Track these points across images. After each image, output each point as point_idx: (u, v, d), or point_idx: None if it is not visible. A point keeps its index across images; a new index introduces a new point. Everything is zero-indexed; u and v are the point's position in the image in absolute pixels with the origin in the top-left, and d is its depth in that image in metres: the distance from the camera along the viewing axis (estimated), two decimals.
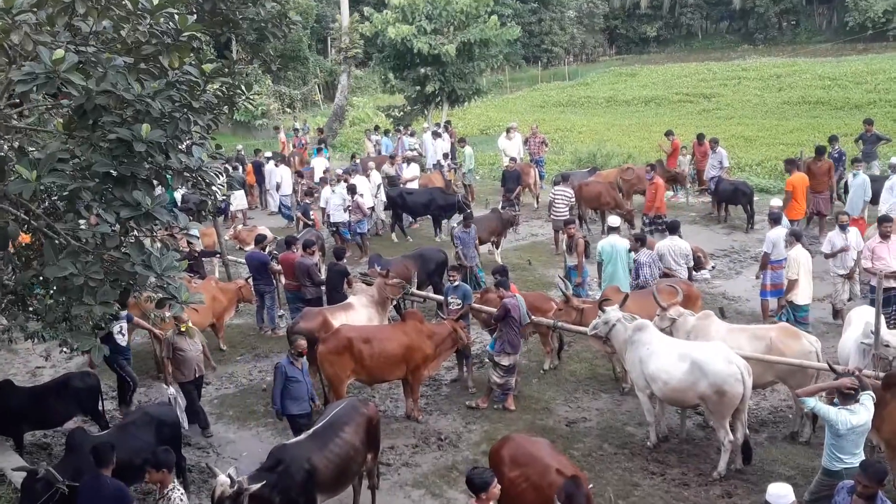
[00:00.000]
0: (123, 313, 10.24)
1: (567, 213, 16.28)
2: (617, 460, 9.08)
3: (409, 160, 21.12)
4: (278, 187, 20.79)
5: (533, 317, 10.84)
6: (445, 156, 21.31)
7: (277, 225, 19.92)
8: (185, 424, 9.34)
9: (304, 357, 9.06)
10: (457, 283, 11.15)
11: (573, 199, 16.75)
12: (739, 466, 8.66)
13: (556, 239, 16.73)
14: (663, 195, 16.43)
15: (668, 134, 21.41)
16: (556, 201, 16.37)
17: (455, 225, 15.38)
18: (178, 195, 16.73)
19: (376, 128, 28.00)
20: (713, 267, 13.79)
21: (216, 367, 11.92)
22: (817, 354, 8.90)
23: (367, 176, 18.79)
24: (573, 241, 13.15)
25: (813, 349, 8.92)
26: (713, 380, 8.32)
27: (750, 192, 17.81)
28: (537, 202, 21.14)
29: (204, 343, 10.26)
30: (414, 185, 19.72)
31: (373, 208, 18.53)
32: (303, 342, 9.03)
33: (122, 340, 10.33)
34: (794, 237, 11.41)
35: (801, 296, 11.20)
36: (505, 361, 10.26)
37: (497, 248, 16.54)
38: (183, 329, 9.72)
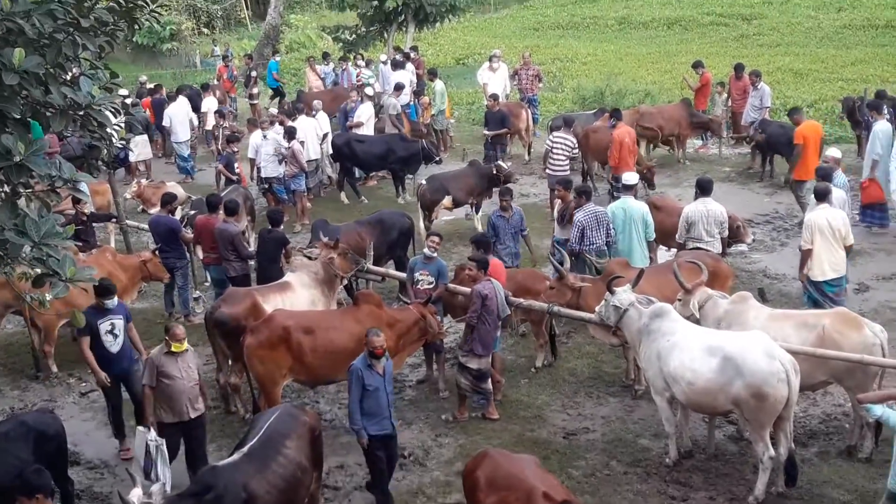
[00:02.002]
0: (113, 302, 9.72)
1: (567, 167, 16.36)
2: (627, 481, 9.15)
3: (362, 96, 21.05)
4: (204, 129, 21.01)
5: (522, 301, 10.90)
6: (399, 87, 21.14)
7: (196, 181, 19.92)
8: (168, 485, 8.20)
9: (385, 358, 8.71)
10: (433, 255, 11.20)
11: (576, 150, 16.82)
12: (782, 489, 8.75)
13: (553, 200, 16.78)
14: (629, 150, 16.29)
15: (697, 66, 21.58)
16: (554, 152, 16.45)
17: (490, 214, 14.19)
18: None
19: (325, 55, 27.83)
20: (753, 238, 13.96)
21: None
22: (883, 348, 8.96)
23: (314, 115, 18.75)
24: (566, 207, 13.11)
25: (877, 341, 8.98)
26: (750, 379, 8.39)
27: None
28: (529, 153, 21.21)
29: (200, 369, 9.39)
30: (368, 131, 19.73)
31: (316, 162, 18.53)
32: (377, 340, 8.56)
33: (113, 345, 9.74)
34: (820, 195, 11.53)
35: (816, 270, 11.34)
36: (473, 364, 10.31)
37: (477, 211, 16.67)
38: (175, 348, 8.91)
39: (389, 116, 20.31)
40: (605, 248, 12.41)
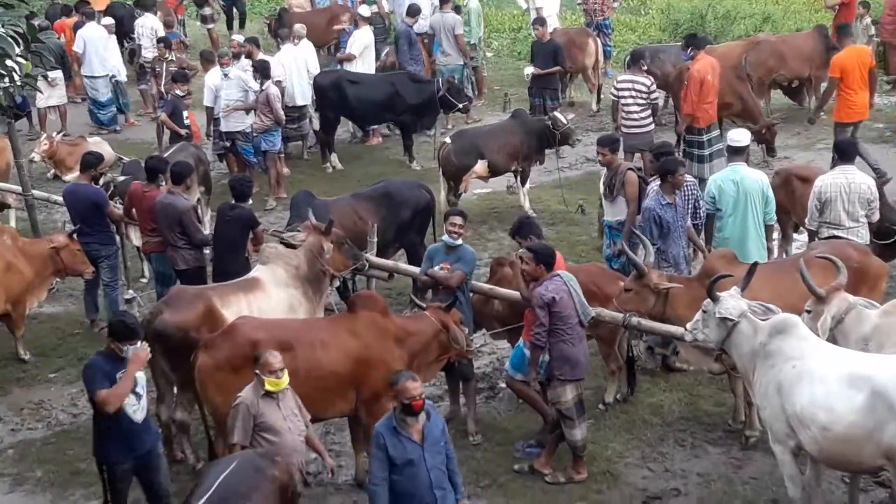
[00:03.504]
0: (130, 349, 8.84)
1: (648, 121, 16.39)
2: None
3: (357, 18, 21.16)
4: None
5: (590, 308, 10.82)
6: (413, 11, 21.08)
7: (125, 136, 20.14)
8: None
9: (424, 414, 8.30)
10: (457, 242, 11.24)
11: (654, 95, 16.68)
12: None
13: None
14: (712, 92, 16.25)
15: None
16: (624, 102, 16.47)
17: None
18: None
19: None
20: None
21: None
22: None
23: (294, 43, 18.89)
24: (616, 176, 13.11)
25: None
26: None
27: None
28: (598, 100, 21.23)
29: (307, 414, 9.28)
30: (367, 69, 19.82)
31: (302, 110, 18.69)
32: (412, 386, 8.15)
33: (137, 410, 8.90)
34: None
35: None
36: (568, 395, 10.17)
37: (523, 182, 16.72)
38: (271, 386, 8.79)
39: (399, 48, 20.30)
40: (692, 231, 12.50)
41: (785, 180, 13.73)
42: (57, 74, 19.94)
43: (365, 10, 21.21)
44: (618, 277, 11.60)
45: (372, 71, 19.95)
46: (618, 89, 16.65)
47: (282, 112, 17.37)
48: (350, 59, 19.82)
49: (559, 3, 22.43)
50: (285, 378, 8.80)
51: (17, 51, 7.17)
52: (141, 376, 8.93)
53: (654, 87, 16.59)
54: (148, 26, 22.17)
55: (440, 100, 18.61)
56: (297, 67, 18.58)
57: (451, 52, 20.97)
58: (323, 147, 19.13)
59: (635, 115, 16.36)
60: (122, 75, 21.80)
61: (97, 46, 21.01)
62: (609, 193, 13.19)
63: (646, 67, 16.88)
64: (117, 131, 21.12)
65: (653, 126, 16.40)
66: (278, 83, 17.62)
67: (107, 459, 9.01)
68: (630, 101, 16.39)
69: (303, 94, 18.68)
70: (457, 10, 21.74)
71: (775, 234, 13.67)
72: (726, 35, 23.46)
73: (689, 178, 12.72)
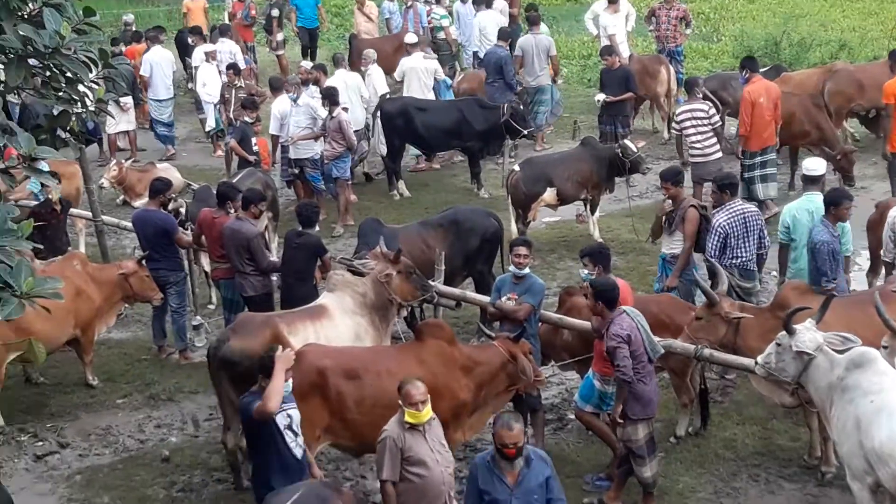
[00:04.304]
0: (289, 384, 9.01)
1: (714, 148, 16.24)
2: None
3: (427, 44, 21.14)
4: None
5: (659, 340, 10.70)
6: (505, 34, 20.88)
7: (194, 163, 20.17)
8: None
9: (522, 461, 8.18)
10: (524, 272, 11.22)
11: (717, 121, 16.55)
12: None
13: (699, 196, 16.56)
14: (767, 116, 16.21)
15: None
16: (688, 133, 16.42)
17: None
18: None
19: None
20: None
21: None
22: None
23: (364, 72, 18.89)
24: (677, 208, 12.94)
25: None
26: None
27: None
28: (670, 128, 20.75)
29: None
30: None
31: (367, 130, 18.72)
32: (508, 435, 8.01)
33: (296, 446, 8.99)
34: None
35: None
36: (639, 434, 10.06)
37: (593, 211, 16.68)
38: (412, 418, 8.54)
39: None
40: (755, 264, 12.45)
41: (883, 214, 13.35)
42: (128, 100, 20.07)
43: (411, 38, 21.05)
44: (689, 308, 11.54)
45: (422, 95, 19.92)
46: (678, 121, 16.62)
47: (354, 138, 17.37)
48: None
49: (628, 30, 22.32)
50: (427, 411, 8.58)
51: (91, 75, 7.07)
52: (296, 414, 8.94)
53: (712, 111, 16.48)
54: (226, 51, 22.18)
55: (504, 125, 18.50)
56: (349, 92, 18.41)
57: (541, 73, 20.82)
58: (390, 174, 19.10)
59: (699, 144, 16.30)
60: (215, 97, 21.35)
61: (163, 70, 21.21)
62: (668, 226, 13.08)
63: (701, 94, 16.74)
64: (172, 149, 21.38)
65: (719, 153, 16.28)
66: (346, 109, 17.58)
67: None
68: (692, 130, 16.33)
69: (355, 120, 18.39)
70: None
71: (856, 267, 13.44)
72: (801, 62, 23.33)
73: (751, 206, 12.71)
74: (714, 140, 16.30)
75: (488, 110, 18.79)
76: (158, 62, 21.29)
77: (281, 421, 8.84)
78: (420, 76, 20.15)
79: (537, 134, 20.46)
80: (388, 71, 20.66)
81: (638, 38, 26.59)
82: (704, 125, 16.26)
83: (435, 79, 20.59)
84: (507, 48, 20.81)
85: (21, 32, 5.95)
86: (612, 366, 10.05)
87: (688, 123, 16.36)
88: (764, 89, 16.46)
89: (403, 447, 8.51)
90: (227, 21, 25.65)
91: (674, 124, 17.02)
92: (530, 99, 20.62)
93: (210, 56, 21.48)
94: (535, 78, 20.82)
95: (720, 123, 16.69)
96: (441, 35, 22.36)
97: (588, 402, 10.81)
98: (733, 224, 12.23)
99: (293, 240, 12.60)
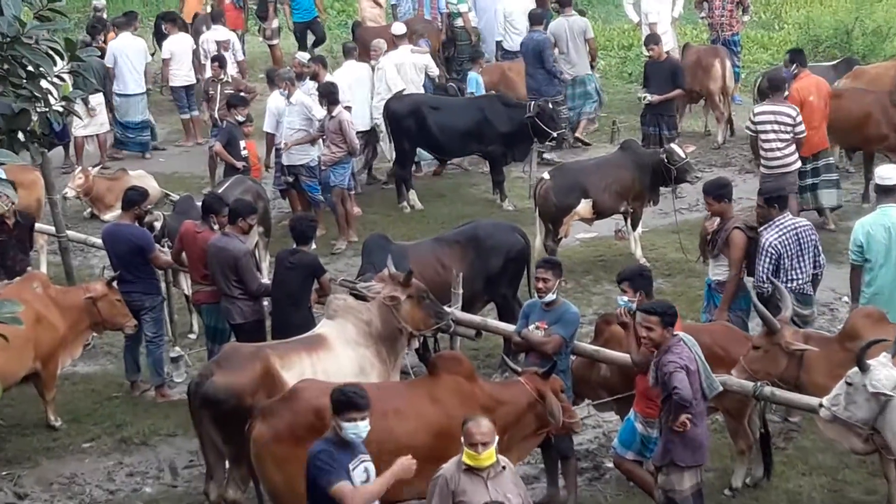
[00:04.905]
0: (364, 427, 8.68)
1: (793, 157, 15.45)
2: None
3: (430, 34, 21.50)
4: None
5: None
6: (537, 18, 20.35)
7: (172, 169, 20.13)
8: None
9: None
10: (551, 295, 10.65)
11: (802, 130, 15.69)
12: None
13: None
14: (818, 115, 15.99)
15: None
16: (768, 134, 15.56)
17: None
18: None
19: None
20: None
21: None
22: None
23: (372, 64, 18.75)
24: (721, 228, 12.35)
25: None
26: None
27: None
28: (726, 130, 20.77)
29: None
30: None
31: (371, 134, 18.62)
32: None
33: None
34: None
35: None
36: (685, 483, 9.48)
37: (634, 226, 16.14)
38: (472, 461, 8.23)
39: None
40: (811, 286, 12.15)
41: None
42: (96, 99, 19.68)
43: (399, 29, 20.43)
44: (748, 339, 10.98)
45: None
46: (755, 122, 15.82)
47: (356, 141, 16.95)
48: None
49: (672, 16, 22.09)
50: (488, 454, 8.19)
51: (56, 68, 7.21)
52: (371, 468, 8.57)
53: (799, 118, 15.74)
54: (212, 40, 21.60)
55: (530, 125, 17.93)
56: (360, 88, 18.18)
57: (579, 60, 20.54)
58: (399, 183, 18.65)
59: (777, 153, 15.50)
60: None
61: (132, 61, 20.91)
62: (711, 249, 12.66)
63: (787, 95, 16.05)
64: (145, 156, 21.19)
65: (798, 164, 15.55)
66: (348, 108, 17.18)
67: None
68: (772, 135, 15.53)
69: (363, 119, 18.18)
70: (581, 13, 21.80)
71: None
72: (876, 54, 22.94)
73: (803, 220, 12.46)
74: (794, 149, 15.61)
75: (513, 109, 18.31)
76: (124, 51, 20.87)
77: (357, 475, 8.44)
78: (407, 72, 19.72)
79: (581, 122, 20.26)
80: None
81: (687, 27, 26.57)
82: (787, 132, 15.50)
83: (427, 75, 20.23)
84: (545, 32, 20.50)
85: None
86: (661, 403, 9.58)
87: (768, 127, 15.58)
88: (814, 86, 16.24)
89: (456, 489, 8.29)
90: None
91: (748, 123, 16.33)
92: (572, 93, 20.40)
93: (223, 46, 21.03)
94: (573, 66, 20.51)
95: (803, 133, 15.91)
96: (459, 22, 22.20)
97: (629, 449, 10.37)
98: (785, 243, 11.89)
99: (286, 259, 12.19)
